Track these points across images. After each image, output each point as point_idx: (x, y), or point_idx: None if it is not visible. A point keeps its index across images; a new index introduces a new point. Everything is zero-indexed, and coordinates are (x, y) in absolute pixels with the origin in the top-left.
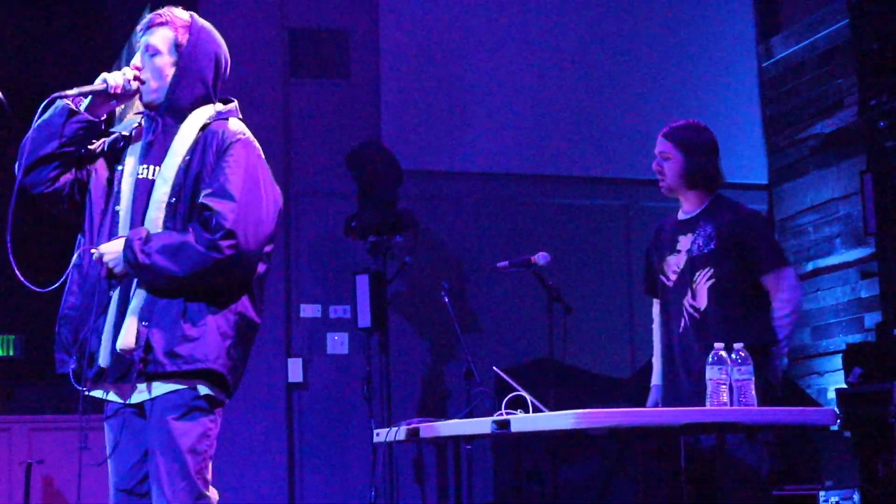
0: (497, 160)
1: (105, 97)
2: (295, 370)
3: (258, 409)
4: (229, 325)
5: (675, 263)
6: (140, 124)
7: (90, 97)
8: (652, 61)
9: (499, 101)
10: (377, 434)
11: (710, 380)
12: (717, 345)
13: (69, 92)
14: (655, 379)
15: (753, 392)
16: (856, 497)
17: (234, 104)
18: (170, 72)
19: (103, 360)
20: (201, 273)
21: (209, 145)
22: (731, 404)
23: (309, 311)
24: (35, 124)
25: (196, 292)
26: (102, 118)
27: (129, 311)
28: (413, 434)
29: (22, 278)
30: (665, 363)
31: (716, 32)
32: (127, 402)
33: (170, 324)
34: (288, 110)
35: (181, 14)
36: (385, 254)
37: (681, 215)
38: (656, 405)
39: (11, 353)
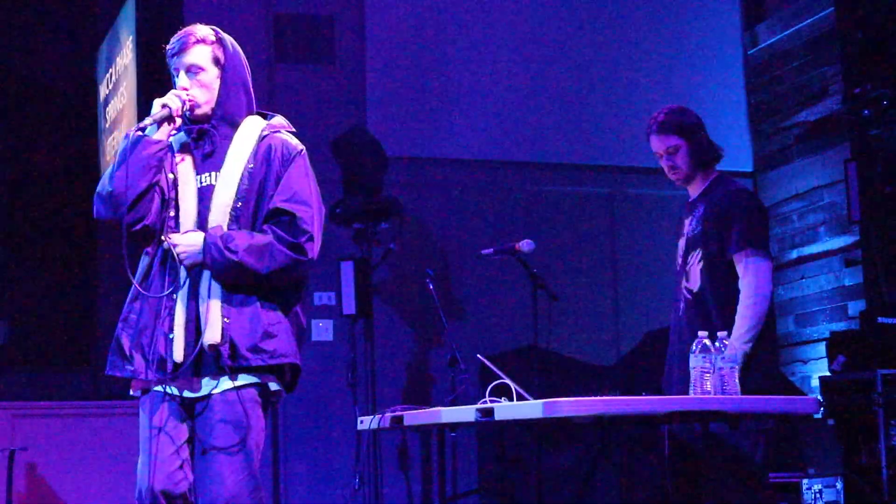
0: (482, 147)
1: (169, 121)
2: None
3: None
4: (293, 324)
5: (681, 247)
6: (190, 139)
7: (155, 125)
8: (637, 49)
9: (484, 87)
10: (361, 421)
11: (694, 368)
12: (700, 333)
13: (145, 123)
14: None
15: (737, 380)
16: (839, 485)
17: (281, 118)
18: (216, 85)
19: (178, 356)
20: (280, 272)
21: (272, 156)
22: (715, 393)
23: None
24: (118, 164)
25: (270, 288)
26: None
27: (208, 308)
28: (397, 422)
29: (137, 285)
30: (669, 347)
31: (701, 20)
32: (195, 394)
33: (249, 321)
34: (273, 96)
35: (207, 31)
36: (370, 240)
37: (689, 199)
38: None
39: None
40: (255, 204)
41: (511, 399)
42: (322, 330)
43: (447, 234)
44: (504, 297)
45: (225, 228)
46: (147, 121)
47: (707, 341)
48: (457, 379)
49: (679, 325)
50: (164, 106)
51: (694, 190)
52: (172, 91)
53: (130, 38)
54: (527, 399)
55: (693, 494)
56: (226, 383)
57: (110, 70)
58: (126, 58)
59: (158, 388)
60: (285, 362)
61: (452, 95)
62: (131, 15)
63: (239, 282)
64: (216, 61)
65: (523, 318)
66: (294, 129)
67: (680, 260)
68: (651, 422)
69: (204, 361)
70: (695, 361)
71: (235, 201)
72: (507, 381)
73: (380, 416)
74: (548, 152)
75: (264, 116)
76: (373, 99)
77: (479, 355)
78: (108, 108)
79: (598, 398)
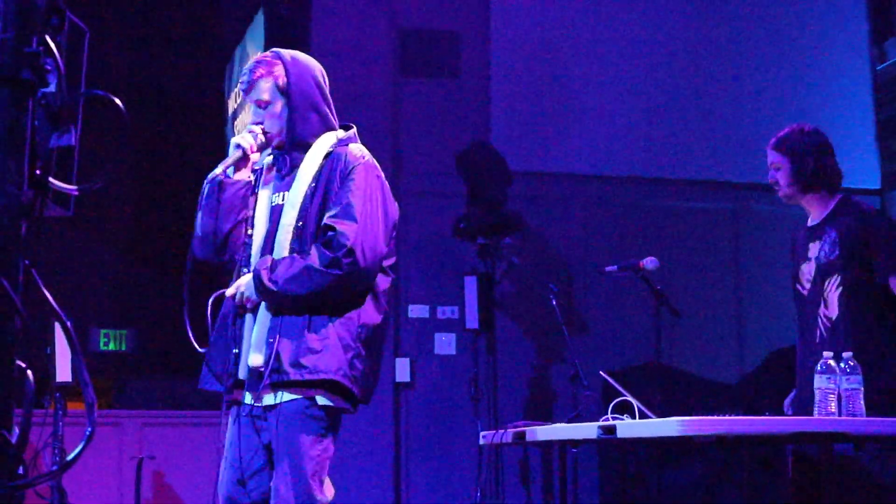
0: (605, 162)
1: (245, 159)
2: (402, 370)
3: (366, 409)
4: (352, 336)
5: (808, 272)
6: (271, 160)
7: (233, 167)
8: (763, 64)
9: (607, 102)
10: (484, 436)
11: (818, 388)
12: (825, 353)
13: (218, 171)
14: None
15: (862, 402)
16: None
17: (354, 130)
18: (284, 113)
19: (241, 373)
20: (322, 291)
21: (334, 170)
22: (840, 414)
23: (417, 311)
24: (203, 210)
25: (318, 306)
26: (251, 174)
27: (255, 330)
28: (519, 437)
29: (193, 341)
30: (801, 372)
31: (828, 35)
32: (259, 403)
33: (296, 336)
34: (397, 110)
35: (269, 62)
36: (493, 255)
37: (810, 222)
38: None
39: (123, 348)
40: (317, 221)
41: (633, 416)
42: (445, 344)
43: (570, 250)
44: (627, 313)
45: (287, 247)
46: (223, 165)
47: (832, 362)
48: (579, 395)
49: (811, 353)
50: (237, 147)
51: (815, 213)
52: (247, 128)
53: (258, 53)
54: (649, 416)
55: None
56: (281, 396)
57: (238, 85)
58: None
59: (240, 401)
60: (321, 378)
61: (576, 110)
62: (259, 31)
63: (288, 305)
64: (282, 91)
65: (646, 335)
66: (357, 140)
67: (808, 285)
68: (775, 442)
69: (264, 379)
70: (819, 382)
71: (297, 220)
72: (629, 398)
73: (502, 431)
74: (671, 168)
75: (347, 128)
76: (497, 113)
77: (601, 372)
78: (236, 123)
79: (726, 418)
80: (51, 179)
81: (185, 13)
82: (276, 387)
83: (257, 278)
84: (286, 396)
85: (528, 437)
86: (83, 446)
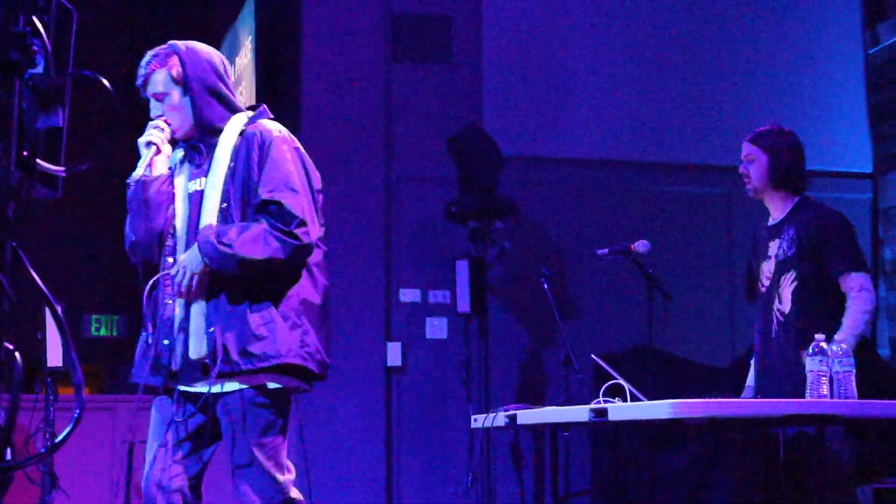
0: (598, 146)
1: (159, 153)
2: (394, 354)
3: (357, 393)
4: (296, 314)
5: (767, 270)
6: (183, 157)
7: (149, 167)
8: (755, 48)
9: (600, 86)
10: (475, 420)
11: (811, 371)
12: (817, 336)
13: (138, 173)
14: (749, 380)
15: (854, 384)
16: None
17: (263, 107)
18: (184, 103)
19: (175, 364)
20: (277, 259)
21: (251, 148)
22: (832, 396)
23: (409, 295)
24: (132, 213)
25: (258, 280)
26: (171, 168)
27: (192, 320)
28: (511, 421)
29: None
30: (758, 366)
31: (821, 19)
32: (201, 391)
33: (238, 324)
34: (390, 95)
35: (164, 51)
36: (485, 239)
37: (770, 221)
38: None
39: (115, 333)
40: (242, 200)
41: (625, 399)
42: (437, 328)
43: (562, 234)
44: (619, 297)
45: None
46: (140, 167)
47: (824, 344)
48: (570, 378)
49: (768, 347)
50: (148, 144)
51: (776, 211)
52: (150, 124)
53: (250, 38)
54: (640, 400)
55: (808, 497)
56: (227, 387)
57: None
58: (245, 58)
59: (172, 391)
60: (274, 364)
61: (568, 95)
62: (250, 16)
63: (235, 270)
64: (176, 81)
65: (638, 319)
66: (273, 116)
67: (766, 282)
68: (767, 425)
69: (212, 370)
70: (811, 364)
71: (221, 202)
72: (621, 381)
73: (493, 414)
74: (664, 152)
75: (256, 108)
76: (489, 98)
77: (593, 355)
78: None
79: (717, 400)
80: (38, 161)
81: None
82: (222, 376)
83: (205, 245)
84: (230, 387)
85: (520, 421)
86: (71, 428)
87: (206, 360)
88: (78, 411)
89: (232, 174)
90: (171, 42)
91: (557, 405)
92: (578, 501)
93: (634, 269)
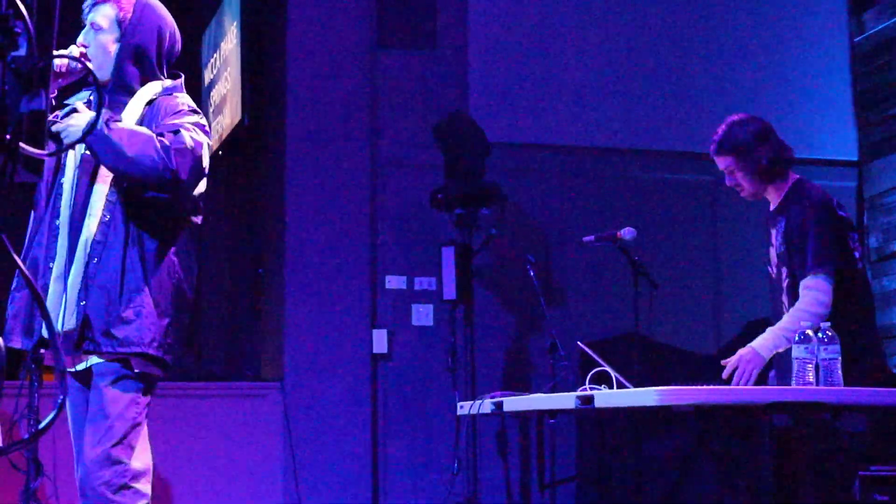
0: (584, 133)
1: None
2: (380, 341)
3: (343, 380)
4: (167, 301)
5: (773, 257)
6: (90, 99)
7: None
8: (740, 35)
9: (586, 74)
10: (461, 407)
11: (797, 359)
12: (802, 324)
13: None
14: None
15: (840, 371)
16: None
17: (181, 79)
18: (113, 48)
19: (46, 332)
20: (147, 167)
21: (154, 118)
22: (818, 384)
23: (394, 282)
24: None
25: (132, 263)
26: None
27: (67, 290)
28: (497, 408)
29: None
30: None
31: (807, 6)
32: (73, 369)
33: (106, 304)
34: (375, 81)
35: None
36: (471, 226)
37: (770, 206)
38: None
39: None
40: None
41: (611, 386)
42: (422, 315)
43: (548, 221)
44: (604, 284)
45: (105, 199)
46: None
47: (809, 332)
48: (556, 366)
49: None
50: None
51: (772, 199)
52: (71, 46)
53: (235, 23)
54: (626, 387)
55: (792, 484)
56: (93, 359)
57: (214, 55)
58: (230, 43)
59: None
60: (133, 351)
61: (554, 81)
62: (235, 1)
63: (108, 161)
64: (119, 24)
65: (623, 306)
66: (183, 90)
67: (774, 270)
68: (752, 412)
69: (76, 344)
70: (797, 352)
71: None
72: (607, 368)
73: (479, 401)
74: (650, 139)
75: (175, 77)
76: (474, 84)
77: (579, 342)
78: (212, 93)
79: (703, 387)
80: (21, 144)
81: None
82: (87, 353)
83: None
84: (95, 360)
85: (506, 408)
86: (55, 414)
87: (75, 333)
88: (62, 397)
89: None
90: None
91: (544, 392)
92: (564, 488)
93: (620, 257)
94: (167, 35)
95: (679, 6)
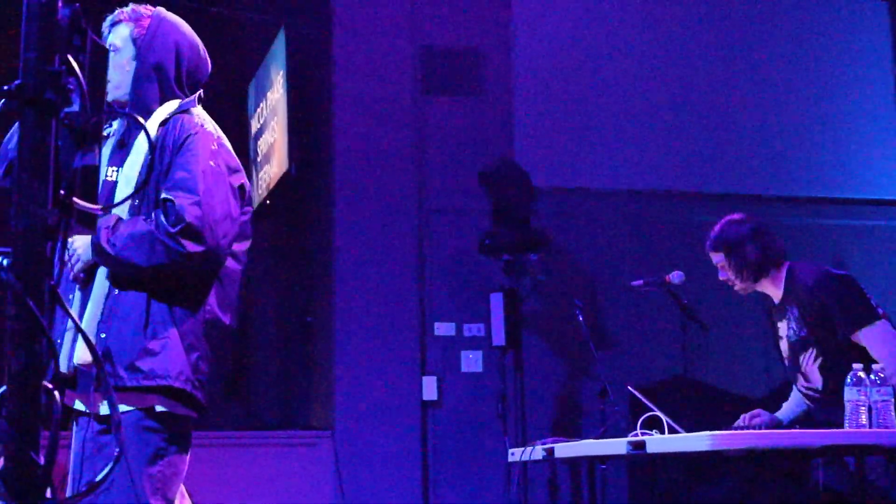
0: (630, 177)
1: None
2: (429, 388)
3: (393, 427)
4: (196, 335)
5: (784, 349)
6: (109, 133)
7: None
8: (785, 74)
9: (631, 117)
10: (512, 453)
11: (849, 401)
12: (855, 365)
13: None
14: (782, 412)
15: (893, 413)
16: None
17: (196, 95)
18: (130, 67)
19: (63, 367)
20: (165, 266)
21: (166, 141)
22: (871, 426)
23: (443, 329)
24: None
25: (160, 289)
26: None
27: (86, 319)
28: (548, 454)
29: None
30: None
31: (850, 43)
32: (96, 412)
33: (130, 335)
34: (421, 128)
35: (144, 10)
36: (519, 272)
37: (774, 300)
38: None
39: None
40: (155, 196)
41: (662, 431)
42: (472, 361)
43: (596, 265)
44: (654, 328)
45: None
46: None
47: (862, 374)
48: (607, 411)
49: (810, 421)
50: None
51: (774, 293)
52: None
53: (281, 73)
54: (678, 431)
55: None
56: (104, 408)
57: (261, 105)
58: (277, 93)
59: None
60: (159, 384)
61: (600, 125)
62: (281, 50)
63: (125, 275)
64: (134, 41)
65: (673, 350)
66: (142, 121)
67: (787, 362)
68: (806, 456)
69: (93, 380)
70: (850, 394)
71: (133, 198)
72: (658, 412)
73: (530, 447)
74: (696, 181)
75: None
76: (520, 130)
77: (629, 387)
78: (259, 143)
79: (756, 432)
80: (75, 199)
81: (206, 33)
82: (105, 392)
83: (95, 241)
84: (106, 409)
85: (558, 454)
86: (111, 467)
87: (91, 370)
88: (117, 450)
89: (148, 167)
90: (157, 8)
91: (594, 438)
92: None
93: (669, 300)
94: (186, 51)
95: (723, 48)
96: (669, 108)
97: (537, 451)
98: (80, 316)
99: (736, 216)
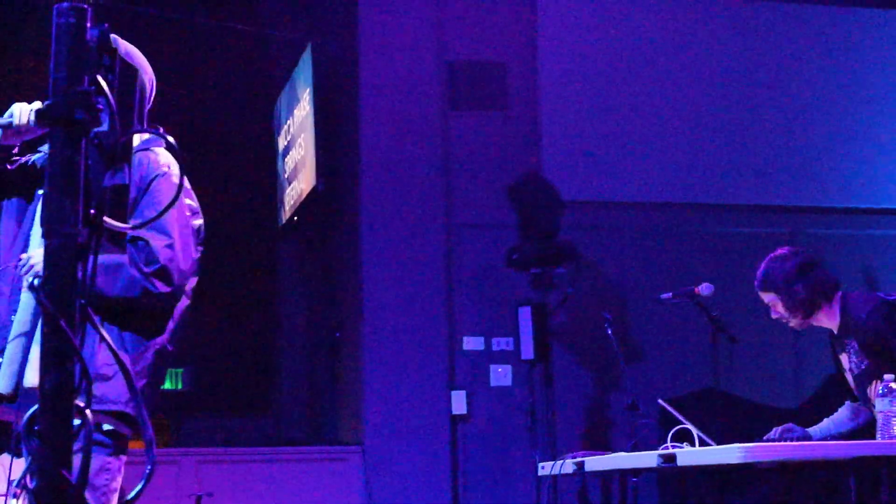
0: (658, 189)
1: (13, 132)
2: (458, 402)
3: (422, 441)
4: (145, 364)
5: (850, 381)
6: None
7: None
8: (812, 86)
9: (658, 129)
10: (542, 467)
11: (881, 412)
12: (886, 376)
13: None
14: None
15: None
16: None
17: (158, 133)
18: None
19: (4, 387)
20: (130, 300)
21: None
22: None
23: (472, 343)
24: None
25: (113, 317)
26: (13, 149)
27: (32, 345)
28: (578, 467)
29: None
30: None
31: (878, 57)
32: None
33: (86, 358)
34: (448, 143)
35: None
36: (547, 285)
37: (834, 332)
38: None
39: (179, 387)
40: (111, 231)
41: (692, 444)
42: (501, 375)
43: (624, 278)
44: (683, 340)
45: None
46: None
47: (894, 384)
48: (637, 424)
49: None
50: (9, 116)
51: (830, 325)
52: (35, 102)
53: (308, 90)
54: (709, 444)
55: None
56: None
57: (288, 122)
58: (304, 110)
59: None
60: (111, 409)
61: (626, 138)
62: (308, 68)
63: (94, 305)
64: None
65: (703, 362)
66: (173, 142)
67: (856, 392)
68: (838, 468)
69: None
70: (881, 405)
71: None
72: (689, 425)
73: (561, 461)
74: (725, 193)
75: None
76: (547, 144)
77: (659, 400)
78: (286, 159)
79: (788, 444)
80: (105, 218)
81: (233, 51)
82: None
83: None
84: None
85: (588, 467)
86: (143, 485)
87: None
88: (150, 467)
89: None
90: (117, 38)
91: (625, 451)
92: None
93: (698, 313)
94: (147, 83)
95: (749, 59)
96: (695, 119)
97: (567, 465)
98: (31, 330)
99: (780, 252)
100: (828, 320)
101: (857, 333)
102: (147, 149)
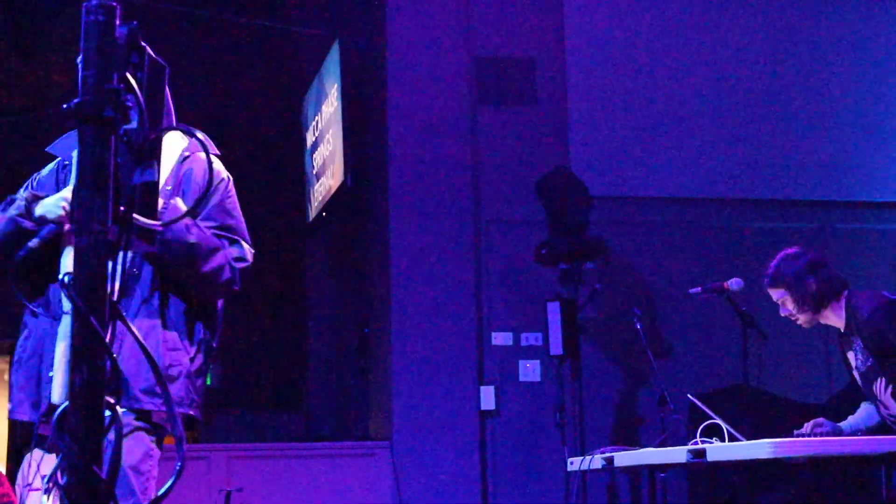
0: (686, 184)
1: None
2: (487, 398)
3: (451, 437)
4: (201, 362)
5: (857, 378)
6: None
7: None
8: (844, 80)
9: (687, 124)
10: (571, 462)
11: None
12: None
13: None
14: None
15: None
16: None
17: (200, 137)
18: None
19: (56, 397)
20: (213, 283)
21: (195, 177)
22: None
23: (500, 338)
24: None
25: (174, 319)
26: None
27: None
28: (608, 463)
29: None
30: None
31: None
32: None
33: (143, 360)
34: (476, 138)
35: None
36: (576, 281)
37: (839, 330)
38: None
39: (208, 383)
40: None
41: (722, 439)
42: (529, 371)
43: (653, 273)
44: (713, 335)
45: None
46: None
47: None
48: (666, 419)
49: None
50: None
51: (837, 323)
52: (55, 200)
53: (336, 86)
54: (739, 439)
55: None
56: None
57: (316, 118)
58: (332, 106)
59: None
60: (182, 413)
61: (655, 133)
62: (335, 63)
63: (176, 275)
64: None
65: (732, 357)
66: (218, 152)
67: (863, 389)
68: (868, 462)
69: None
70: None
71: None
72: (718, 420)
73: (590, 456)
74: (754, 188)
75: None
76: (575, 139)
77: (689, 395)
78: (314, 155)
79: (818, 439)
80: (135, 216)
81: (261, 47)
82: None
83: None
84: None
85: (617, 463)
86: (173, 480)
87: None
88: (179, 464)
89: (169, 196)
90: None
91: (654, 446)
92: None
93: (728, 308)
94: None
95: (778, 53)
96: (724, 114)
97: (597, 460)
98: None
99: (790, 250)
100: (835, 318)
101: (860, 331)
102: (195, 153)
